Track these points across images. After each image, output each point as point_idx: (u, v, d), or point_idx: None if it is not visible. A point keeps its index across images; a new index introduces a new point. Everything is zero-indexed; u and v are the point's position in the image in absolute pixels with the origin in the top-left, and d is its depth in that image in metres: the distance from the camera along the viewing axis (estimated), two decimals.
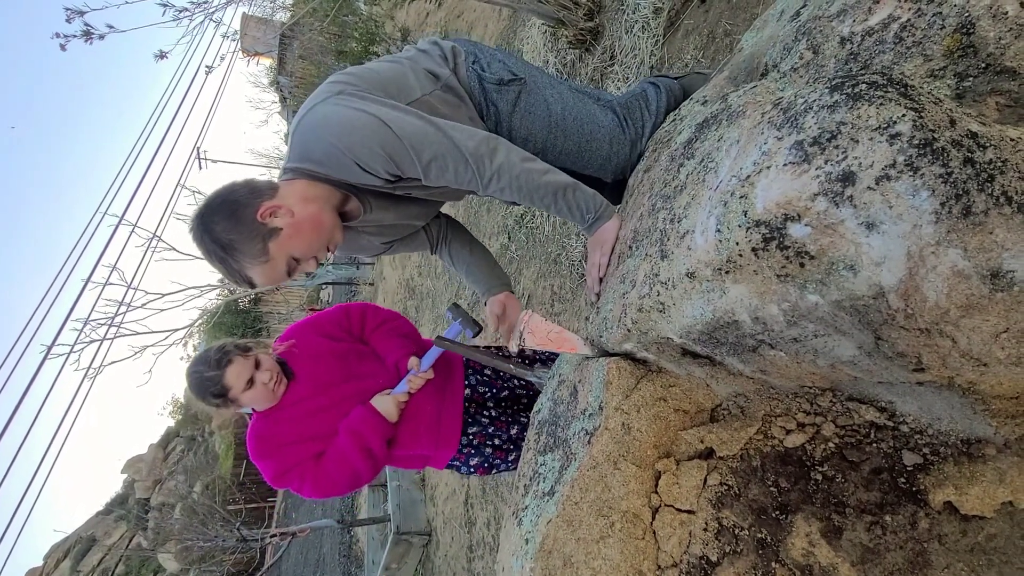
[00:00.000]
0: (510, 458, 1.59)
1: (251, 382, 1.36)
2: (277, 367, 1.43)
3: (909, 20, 0.82)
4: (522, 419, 1.60)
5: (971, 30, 0.76)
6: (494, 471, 1.63)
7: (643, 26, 2.77)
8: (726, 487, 0.97)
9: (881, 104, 0.60)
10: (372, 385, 1.49)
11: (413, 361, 1.45)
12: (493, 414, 1.59)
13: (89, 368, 5.89)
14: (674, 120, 1.36)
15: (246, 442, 1.47)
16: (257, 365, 1.38)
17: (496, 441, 1.58)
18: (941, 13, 0.79)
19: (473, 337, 1.46)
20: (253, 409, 1.44)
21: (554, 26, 3.36)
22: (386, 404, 1.43)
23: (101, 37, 2.65)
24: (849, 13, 0.91)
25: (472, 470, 1.62)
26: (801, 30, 1.01)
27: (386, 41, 5.93)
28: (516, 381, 1.64)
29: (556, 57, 3.58)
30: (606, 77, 3.05)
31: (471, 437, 1.56)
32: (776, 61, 1.06)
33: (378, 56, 5.87)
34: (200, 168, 12.17)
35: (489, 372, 1.64)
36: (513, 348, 1.14)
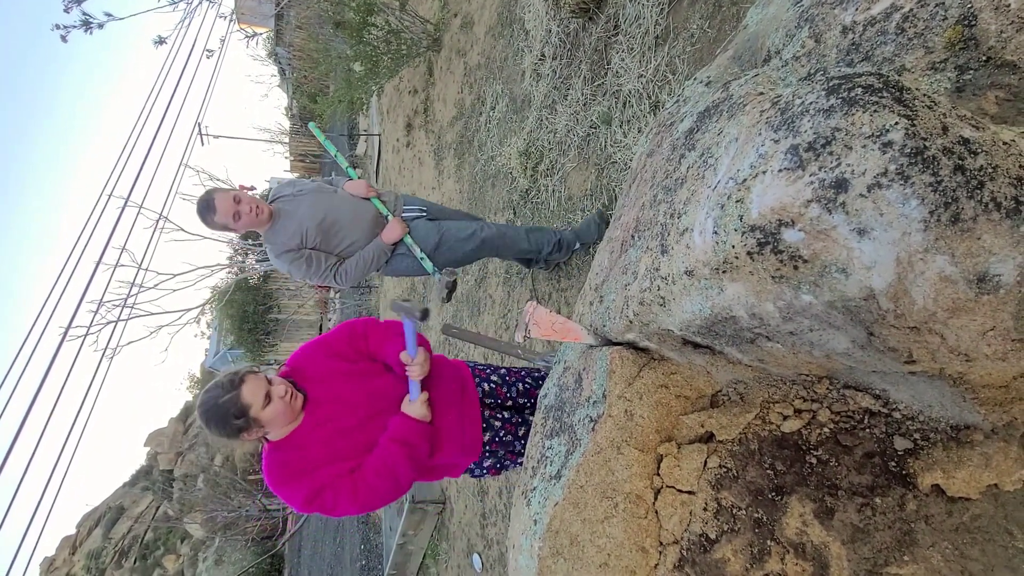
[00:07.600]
0: (519, 460, 1.64)
1: (268, 398, 1.36)
2: (288, 382, 1.43)
3: (911, 10, 0.81)
4: (528, 418, 1.65)
5: (973, 22, 0.75)
6: (504, 471, 1.68)
7: None
8: (725, 469, 1.01)
9: (875, 111, 0.61)
10: (393, 402, 1.51)
11: (404, 356, 1.46)
12: (505, 415, 1.64)
13: (106, 349, 6.04)
14: (677, 101, 1.36)
15: (264, 476, 1.47)
16: (269, 382, 1.38)
17: (505, 451, 1.63)
18: (943, 4, 0.78)
19: (423, 320, 1.40)
20: (266, 439, 1.44)
21: None
22: (417, 409, 1.47)
23: (100, 26, 2.62)
24: (852, 1, 0.90)
25: (485, 471, 1.67)
26: (804, 16, 1.00)
27: (384, 11, 5.79)
28: (518, 388, 1.69)
29: (559, 26, 3.49)
30: (610, 47, 2.98)
31: (486, 444, 1.61)
32: (779, 48, 1.05)
33: (376, 27, 5.73)
34: (203, 144, 12.12)
35: (496, 380, 1.68)
36: (519, 339, 1.17)
